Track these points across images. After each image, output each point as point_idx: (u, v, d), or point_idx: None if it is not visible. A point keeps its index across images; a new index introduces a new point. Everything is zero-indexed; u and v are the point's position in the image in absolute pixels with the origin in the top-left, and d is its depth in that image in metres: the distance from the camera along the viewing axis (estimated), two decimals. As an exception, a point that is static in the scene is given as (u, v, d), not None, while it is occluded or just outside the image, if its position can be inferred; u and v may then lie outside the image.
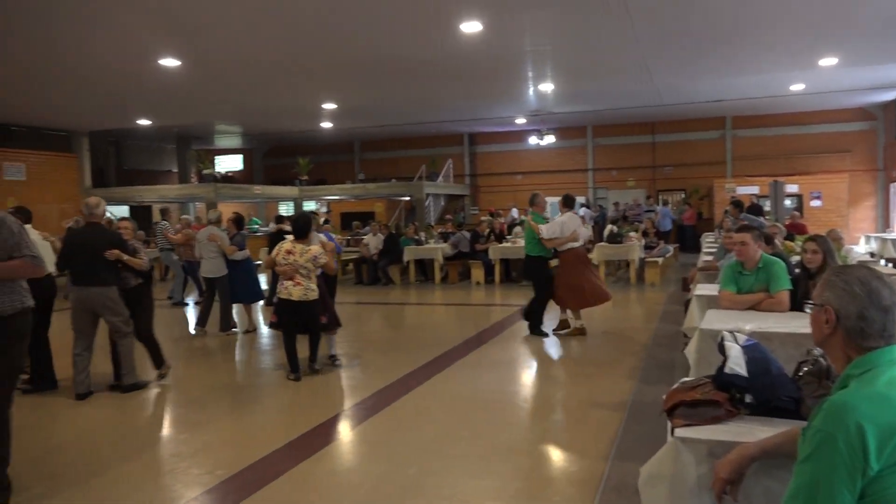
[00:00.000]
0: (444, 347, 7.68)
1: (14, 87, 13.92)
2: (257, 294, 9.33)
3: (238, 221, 9.39)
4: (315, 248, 6.51)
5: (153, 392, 6.23)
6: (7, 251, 3.80)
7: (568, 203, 8.49)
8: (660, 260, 13.48)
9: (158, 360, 6.53)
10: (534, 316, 8.33)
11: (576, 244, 8.25)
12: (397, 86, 14.88)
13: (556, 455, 4.51)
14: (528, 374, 6.82)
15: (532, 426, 5.08)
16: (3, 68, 12.10)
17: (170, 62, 11.71)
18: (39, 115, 17.72)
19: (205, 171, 21.46)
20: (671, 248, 15.37)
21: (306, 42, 10.98)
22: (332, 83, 14.50)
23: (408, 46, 11.46)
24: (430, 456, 4.43)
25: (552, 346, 7.94)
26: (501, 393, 6.00)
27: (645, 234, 15.04)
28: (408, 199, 23.74)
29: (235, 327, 9.05)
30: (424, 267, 14.90)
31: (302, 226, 6.59)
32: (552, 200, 10.59)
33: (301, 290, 6.43)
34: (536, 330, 8.32)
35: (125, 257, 6.08)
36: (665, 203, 21.64)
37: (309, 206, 23.94)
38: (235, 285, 8.98)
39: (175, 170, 25.34)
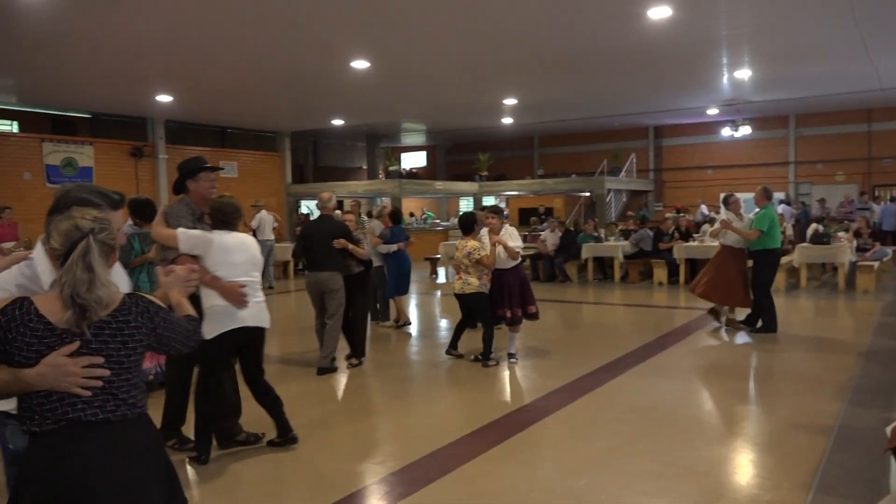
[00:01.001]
0: (622, 351, 7.32)
1: (229, 95, 15.44)
2: (402, 289, 9.41)
3: (394, 216, 9.54)
4: (471, 244, 6.70)
5: (342, 377, 6.56)
6: None
7: (767, 195, 8.32)
8: (875, 264, 11.91)
9: (358, 350, 6.91)
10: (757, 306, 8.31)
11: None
12: (580, 79, 14.52)
13: (744, 480, 4.07)
14: (715, 386, 6.28)
15: (718, 445, 4.64)
16: (221, 78, 13.45)
17: (360, 64, 12.31)
18: (250, 118, 19.54)
19: (391, 168, 22.46)
20: (889, 250, 13.54)
21: (491, 39, 11.02)
22: (515, 78, 14.47)
23: (592, 38, 11.11)
24: (602, 468, 4.19)
25: (744, 356, 7.28)
26: (684, 405, 5.57)
27: (857, 234, 13.39)
28: (587, 194, 23.18)
29: (387, 319, 9.31)
30: (603, 265, 14.42)
31: (464, 223, 7.00)
32: (746, 197, 9.77)
33: (460, 283, 6.79)
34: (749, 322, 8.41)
35: (350, 246, 6.60)
36: (894, 199, 18.82)
37: (488, 201, 24.21)
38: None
39: (364, 166, 26.79)
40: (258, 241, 5.61)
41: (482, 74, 13.86)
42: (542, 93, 16.06)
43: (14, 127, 17.55)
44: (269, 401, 4.53)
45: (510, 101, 17.17)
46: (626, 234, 15.08)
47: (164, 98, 15.46)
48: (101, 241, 2.09)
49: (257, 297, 4.36)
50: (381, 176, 23.98)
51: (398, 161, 24.51)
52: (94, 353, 2.01)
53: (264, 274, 13.19)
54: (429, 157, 29.03)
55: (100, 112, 18.05)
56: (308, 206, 24.23)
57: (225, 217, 4.31)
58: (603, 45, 11.51)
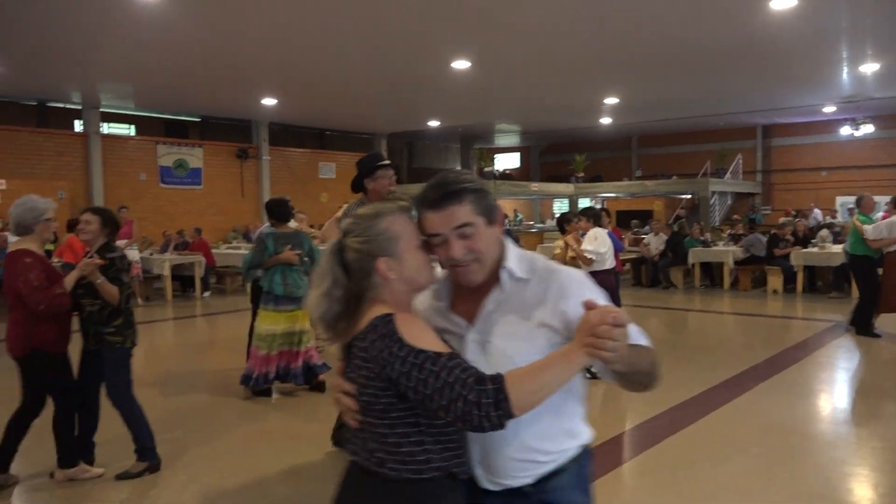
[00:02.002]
0: (745, 364, 6.86)
1: (330, 98, 15.73)
2: None
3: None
4: (557, 243, 6.91)
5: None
6: None
7: None
8: None
9: None
10: (861, 315, 8.06)
11: None
12: (687, 77, 13.91)
13: (908, 518, 3.65)
14: (859, 405, 5.75)
15: (872, 474, 4.20)
16: (323, 81, 13.70)
17: (461, 64, 12.23)
18: (348, 120, 19.87)
19: (485, 169, 22.33)
20: None
21: (593, 36, 10.70)
22: (617, 77, 14.03)
23: (705, 33, 10.58)
24: (736, 497, 3.86)
25: (887, 373, 6.67)
26: (827, 426, 5.12)
27: None
28: (688, 197, 22.27)
29: None
30: (711, 270, 13.74)
31: (558, 223, 7.19)
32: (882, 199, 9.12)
33: None
34: (865, 330, 8.01)
35: None
36: None
37: (583, 203, 23.68)
38: None
39: (459, 167, 26.80)
40: None
41: (583, 74, 13.50)
42: (645, 91, 15.50)
43: (132, 130, 18.54)
44: None
45: (611, 101, 16.69)
46: (735, 239, 14.33)
47: (269, 101, 15.92)
48: None
49: None
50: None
51: (492, 162, 24.36)
52: None
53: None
54: (522, 158, 28.73)
55: (209, 116, 18.82)
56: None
57: None
58: (716, 40, 10.93)
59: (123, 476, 3.98)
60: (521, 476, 1.66)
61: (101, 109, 16.40)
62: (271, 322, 5.61)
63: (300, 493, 3.93)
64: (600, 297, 1.59)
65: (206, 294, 12.94)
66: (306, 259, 5.69)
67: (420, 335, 1.54)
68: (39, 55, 11.53)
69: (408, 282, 1.65)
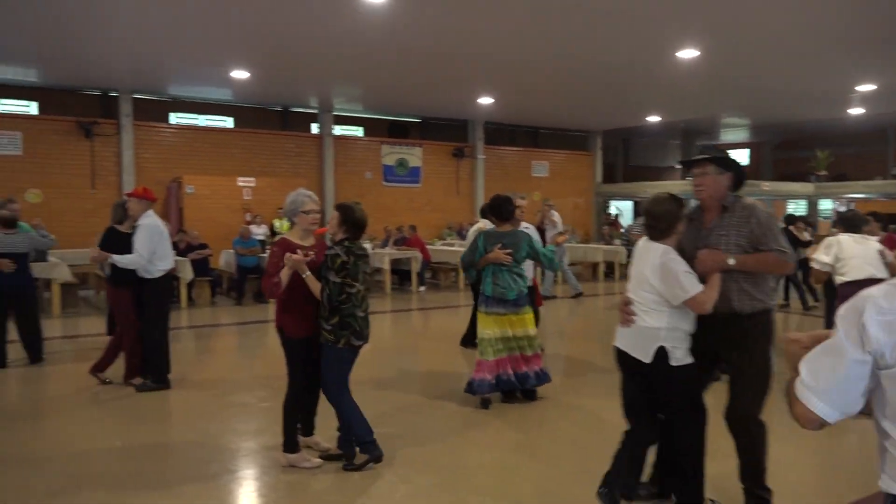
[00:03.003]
0: None
1: (545, 95, 15.53)
2: None
3: None
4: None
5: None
6: (755, 242, 3.31)
7: None
8: None
9: None
10: None
11: None
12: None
13: None
14: None
15: None
16: (539, 78, 13.54)
17: (688, 53, 11.37)
18: (562, 118, 19.55)
19: (709, 167, 20.76)
20: None
21: (846, 9, 9.29)
22: (874, 58, 12.15)
23: None
24: None
25: None
26: None
27: None
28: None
29: None
30: None
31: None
32: None
33: None
34: None
35: None
36: None
37: (824, 204, 21.16)
38: None
39: (678, 166, 25.27)
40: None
41: (831, 57, 11.87)
42: (912, 75, 13.31)
43: (360, 132, 19.86)
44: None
45: (865, 88, 14.58)
46: None
47: (485, 100, 16.11)
48: None
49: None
50: (696, 175, 22.37)
51: (717, 159, 22.61)
52: None
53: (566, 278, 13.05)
54: (752, 155, 26.35)
55: (428, 116, 19.56)
56: (617, 207, 23.61)
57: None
58: None
59: (350, 468, 4.05)
60: None
61: (334, 112, 17.72)
62: (484, 325, 5.33)
63: (510, 505, 3.74)
64: None
65: (422, 288, 13.39)
66: (527, 258, 5.42)
67: None
68: (284, 65, 12.69)
69: None
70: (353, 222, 4.00)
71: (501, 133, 20.73)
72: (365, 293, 4.10)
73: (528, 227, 6.19)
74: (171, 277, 6.43)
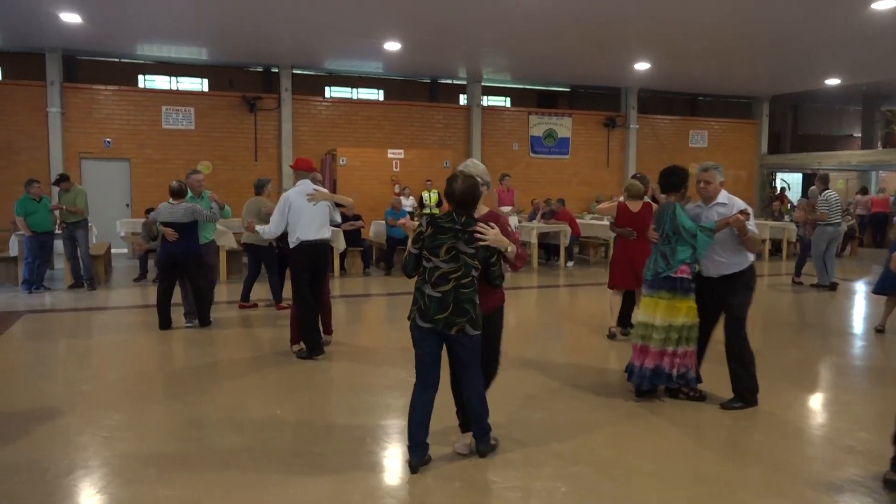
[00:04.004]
0: None
1: (707, 59, 14.41)
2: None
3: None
4: None
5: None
6: None
7: None
8: None
9: None
10: None
11: None
12: None
13: None
14: None
15: None
16: (701, 40, 12.54)
17: (885, 4, 10.00)
18: (724, 83, 18.14)
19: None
20: None
21: None
22: None
23: None
24: None
25: None
26: None
27: None
28: None
29: None
30: None
31: None
32: None
33: None
34: None
35: None
36: None
37: None
38: None
39: (857, 134, 22.83)
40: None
41: None
42: None
43: (507, 102, 19.55)
44: None
45: None
46: None
47: (641, 66, 15.23)
48: None
49: None
50: (879, 145, 20.04)
51: (905, 127, 20.12)
52: None
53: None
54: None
55: (577, 85, 18.87)
56: (784, 180, 21.80)
57: None
58: None
59: (484, 453, 3.83)
60: None
61: (483, 83, 17.52)
62: (641, 307, 4.98)
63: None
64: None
65: (570, 263, 12.98)
66: (672, 235, 4.69)
67: None
68: (436, 35, 12.62)
69: None
70: (448, 194, 3.66)
71: (657, 101, 19.61)
72: (453, 274, 3.55)
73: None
74: (308, 248, 6.04)
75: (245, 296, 8.49)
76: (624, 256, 6.67)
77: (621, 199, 6.83)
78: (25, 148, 14.22)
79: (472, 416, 3.81)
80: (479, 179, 3.71)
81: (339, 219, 6.69)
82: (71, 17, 11.36)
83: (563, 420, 4.54)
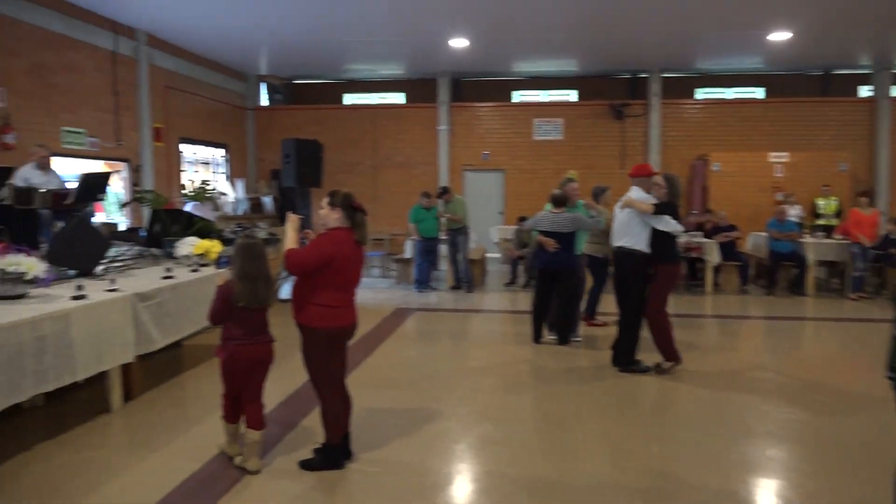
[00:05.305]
0: None
1: None
2: None
3: None
4: None
5: None
6: None
7: None
8: None
9: None
10: None
11: None
12: None
13: None
14: None
15: None
16: None
17: None
18: None
19: None
20: None
21: None
22: None
23: None
24: None
25: None
26: None
27: None
28: None
29: None
30: None
31: None
32: None
33: None
34: None
35: None
36: None
37: None
38: None
39: None
40: None
41: None
42: None
43: None
44: None
45: None
46: None
47: None
48: None
49: None
50: None
51: None
52: None
53: None
54: None
55: None
56: None
57: None
58: None
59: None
60: None
61: (894, 70, 14.66)
62: None
63: None
64: None
65: None
66: None
67: None
68: (834, 18, 10.85)
69: None
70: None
71: None
72: None
73: None
74: (633, 258, 5.94)
75: (590, 311, 8.03)
76: None
77: None
78: (420, 163, 16.14)
79: None
80: None
81: (668, 227, 5.76)
82: (460, 42, 12.48)
83: None
